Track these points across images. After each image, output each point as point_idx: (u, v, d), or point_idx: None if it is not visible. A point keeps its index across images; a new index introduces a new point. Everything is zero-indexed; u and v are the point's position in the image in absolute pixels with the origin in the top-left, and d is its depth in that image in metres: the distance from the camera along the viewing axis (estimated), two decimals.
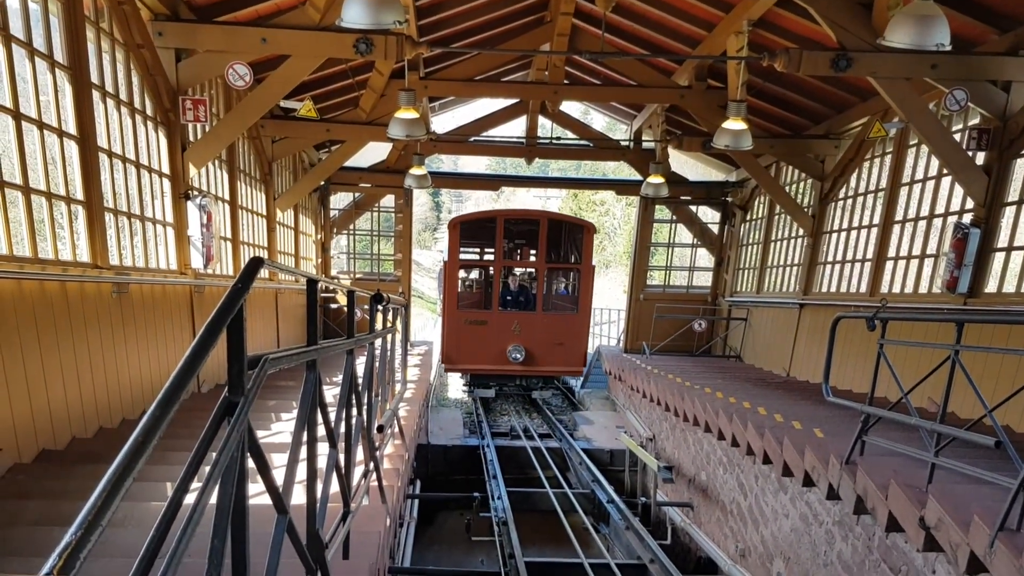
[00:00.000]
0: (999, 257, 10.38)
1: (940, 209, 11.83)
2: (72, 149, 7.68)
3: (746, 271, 19.53)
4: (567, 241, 21.39)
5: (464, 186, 21.58)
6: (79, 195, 7.77)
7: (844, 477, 7.70)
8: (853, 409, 7.77)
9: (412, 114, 12.10)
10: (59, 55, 7.39)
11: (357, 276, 20.67)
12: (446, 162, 50.74)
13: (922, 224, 12.25)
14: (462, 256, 20.99)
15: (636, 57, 14.88)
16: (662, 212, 20.56)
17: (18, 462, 6.39)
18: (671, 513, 14.17)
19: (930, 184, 12.05)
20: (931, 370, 6.69)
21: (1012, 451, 5.30)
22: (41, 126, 7.08)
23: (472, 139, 18.97)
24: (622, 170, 35.15)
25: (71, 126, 7.63)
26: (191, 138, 10.45)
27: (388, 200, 20.27)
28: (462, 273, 21.14)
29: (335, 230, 20.30)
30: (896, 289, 12.90)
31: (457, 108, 21.49)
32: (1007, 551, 5.14)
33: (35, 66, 6.97)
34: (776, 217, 17.89)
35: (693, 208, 20.56)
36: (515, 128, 21.85)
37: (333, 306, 19.99)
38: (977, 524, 5.50)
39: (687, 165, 21.23)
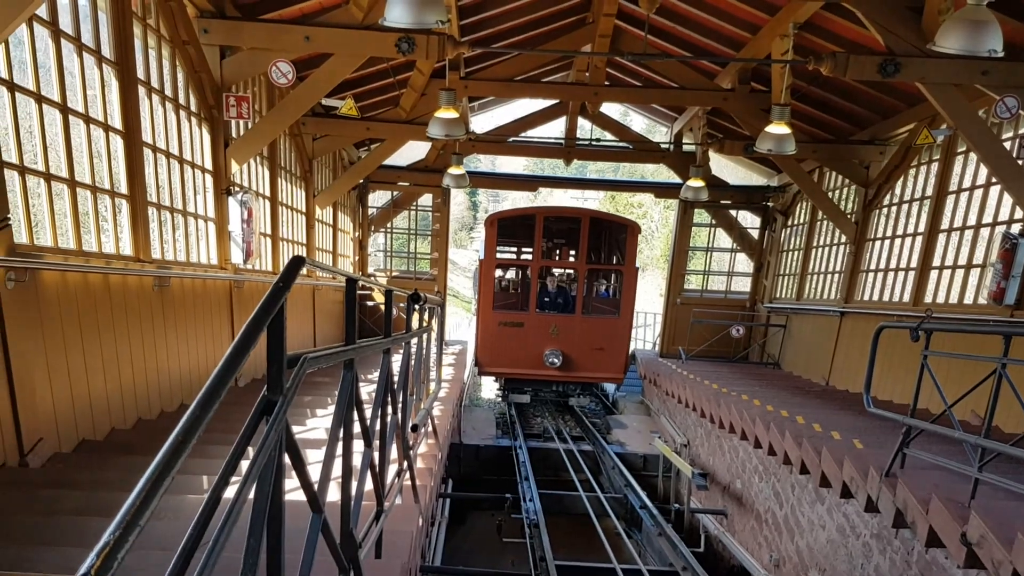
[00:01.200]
0: None
1: (988, 219, 11.57)
2: (117, 144, 7.78)
3: (786, 277, 19.29)
4: (609, 241, 20.63)
5: (501, 186, 21.37)
6: (123, 189, 7.87)
7: (884, 490, 7.55)
8: (894, 421, 7.62)
9: (452, 113, 12.10)
10: (107, 51, 7.49)
11: (393, 274, 20.75)
12: (484, 162, 50.81)
13: (968, 233, 12.00)
14: (499, 255, 20.34)
15: (679, 59, 14.74)
16: (701, 216, 20.40)
17: (58, 451, 6.48)
18: (704, 520, 14.03)
19: (978, 193, 11.80)
20: (976, 383, 6.55)
21: None
22: (88, 120, 7.18)
23: (510, 139, 18.96)
24: (661, 172, 34.95)
25: (117, 121, 7.73)
26: (233, 135, 10.54)
27: (426, 199, 20.35)
28: (498, 272, 20.41)
29: (373, 228, 20.42)
30: (940, 299, 12.65)
31: (496, 108, 21.48)
32: None
33: (83, 61, 7.07)
34: (818, 223, 17.64)
35: (733, 212, 20.34)
36: (553, 129, 21.62)
37: (369, 303, 20.10)
38: (1021, 542, 5.37)
39: (728, 169, 21.03)
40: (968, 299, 11.86)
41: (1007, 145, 10.37)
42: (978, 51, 7.33)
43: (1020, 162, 10.08)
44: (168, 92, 8.97)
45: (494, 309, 18.61)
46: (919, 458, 7.29)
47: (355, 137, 15.99)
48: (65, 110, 6.71)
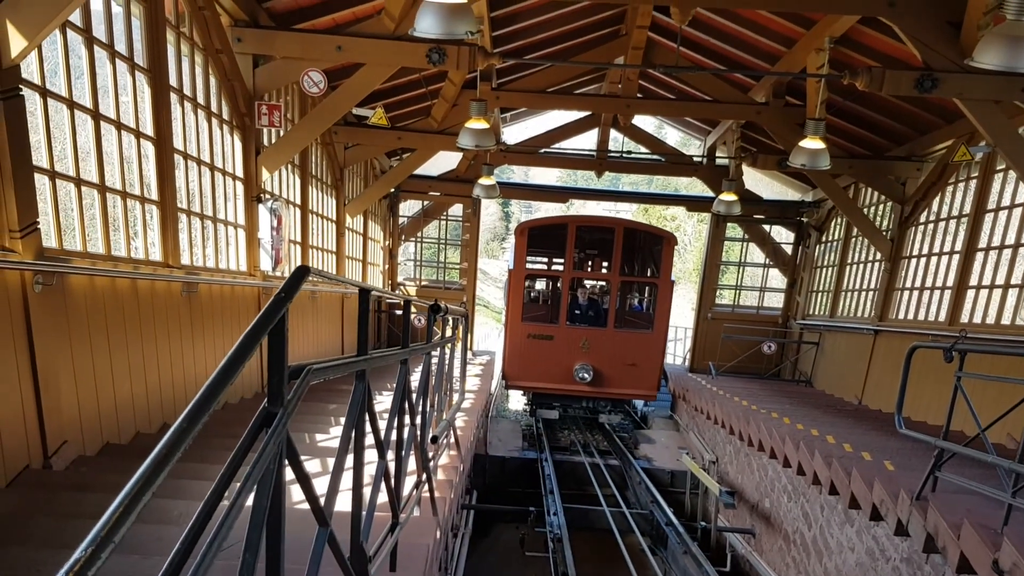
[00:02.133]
0: None
1: None
2: (149, 150, 7.86)
3: (820, 294, 19.02)
4: (643, 252, 19.80)
5: (532, 197, 21.25)
6: (153, 195, 7.95)
7: (914, 513, 7.38)
8: (926, 443, 7.45)
9: (482, 124, 12.11)
10: (139, 58, 7.57)
11: (423, 283, 20.79)
12: (517, 173, 50.79)
13: (1007, 253, 11.73)
14: (529, 265, 19.71)
15: (712, 72, 14.60)
16: (734, 230, 20.20)
17: (82, 454, 6.53)
18: (731, 539, 13.83)
19: (1017, 211, 11.53)
20: (1012, 406, 6.37)
21: None
22: (119, 127, 7.26)
23: (542, 151, 18.95)
24: (694, 186, 34.70)
25: (148, 127, 7.81)
26: (264, 143, 10.63)
27: (456, 209, 20.38)
28: (528, 283, 19.73)
29: (403, 237, 20.48)
30: (977, 319, 12.39)
31: (528, 119, 21.49)
32: None
33: (115, 68, 7.15)
34: (853, 239, 17.39)
35: (766, 227, 20.12)
36: (585, 141, 21.33)
37: (399, 312, 20.15)
38: None
39: (761, 183, 20.84)
40: (1006, 319, 11.59)
41: None
42: (1018, 67, 7.16)
43: None
44: (200, 99, 9.06)
45: (523, 321, 18.03)
46: (951, 482, 7.12)
47: (386, 146, 16.05)
48: (97, 116, 6.79)
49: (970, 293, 12.59)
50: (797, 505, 11.38)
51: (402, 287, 20.52)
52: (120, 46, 7.19)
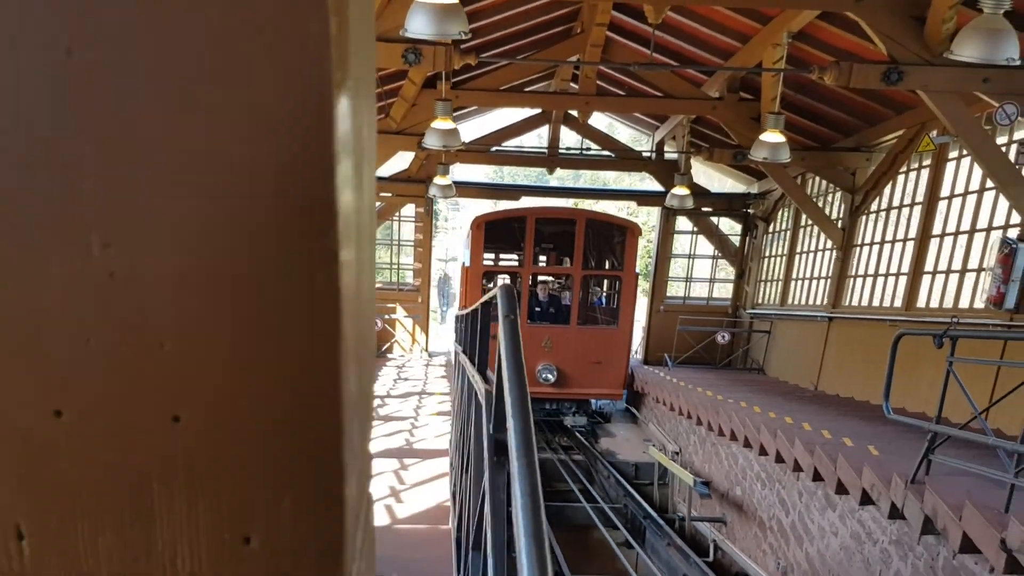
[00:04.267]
0: None
1: (982, 224, 11.74)
2: None
3: (769, 283, 19.45)
4: (607, 244, 19.09)
5: (486, 195, 21.06)
6: None
7: (910, 496, 7.57)
8: (919, 427, 7.68)
9: (448, 124, 12.03)
10: None
11: (376, 286, 20.51)
12: (460, 171, 50.35)
13: (962, 238, 12.16)
14: (486, 261, 18.67)
15: (674, 69, 14.60)
16: (681, 223, 20.47)
17: None
18: (702, 528, 14.04)
19: (971, 198, 11.97)
20: (1012, 388, 6.63)
21: None
22: None
23: (493, 149, 18.90)
24: (622, 179, 35.05)
25: None
26: None
27: (407, 209, 20.18)
28: (484, 280, 18.35)
29: None
30: (935, 303, 12.81)
31: (477, 118, 21.38)
32: None
33: None
34: (802, 229, 17.82)
35: (714, 220, 20.47)
36: (530, 139, 21.19)
37: None
38: None
39: (706, 176, 21.19)
40: (963, 303, 12.02)
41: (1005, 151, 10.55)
42: (996, 59, 7.44)
43: (1019, 168, 10.24)
44: None
45: None
46: (943, 465, 7.34)
47: None
48: None
49: (926, 278, 13.02)
50: (772, 492, 11.59)
51: None
52: None
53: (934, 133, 12.23)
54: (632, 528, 13.48)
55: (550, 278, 18.56)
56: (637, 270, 17.95)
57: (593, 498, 14.28)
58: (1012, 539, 6.02)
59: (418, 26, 7.28)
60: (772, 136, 12.08)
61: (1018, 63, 7.67)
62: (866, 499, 8.52)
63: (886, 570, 8.52)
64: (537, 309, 17.42)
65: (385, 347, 20.04)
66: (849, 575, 9.33)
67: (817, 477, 9.67)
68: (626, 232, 17.85)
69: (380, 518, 5.67)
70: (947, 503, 6.91)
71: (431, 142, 11.85)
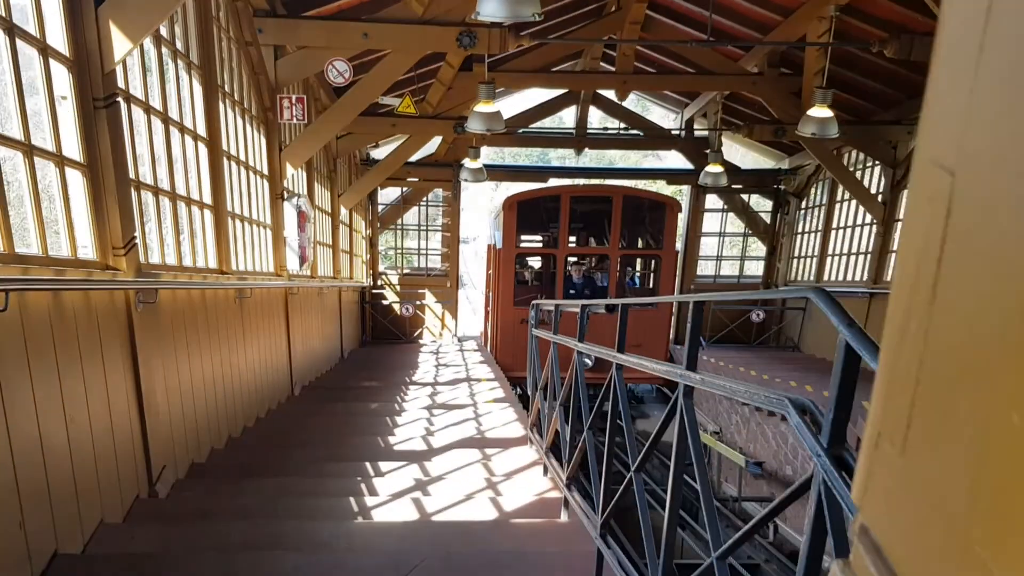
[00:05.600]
0: None
1: None
2: (203, 153, 7.45)
3: (803, 259, 19.29)
4: (644, 221, 18.28)
5: (516, 178, 20.78)
6: (208, 199, 7.54)
7: None
8: None
9: (491, 107, 11.86)
10: (193, 55, 7.14)
11: (405, 271, 20.44)
12: (488, 154, 49.93)
13: None
14: (520, 242, 17.99)
15: (754, 43, 14.18)
16: (710, 201, 20.30)
17: (178, 478, 6.18)
18: (749, 508, 13.98)
19: None
20: None
21: None
22: (182, 129, 6.85)
23: (520, 131, 18.70)
24: (627, 158, 34.67)
25: (202, 128, 7.39)
26: (285, 138, 10.22)
27: (434, 194, 20.03)
28: (518, 262, 18.07)
29: (380, 225, 20.04)
30: None
31: (502, 100, 21.13)
32: None
33: (177, 67, 6.73)
34: (838, 204, 17.65)
35: (744, 196, 20.27)
36: (550, 121, 20.75)
37: (384, 303, 19.79)
38: None
39: (735, 153, 20.99)
40: None
41: None
42: None
43: None
44: (236, 96, 8.62)
45: (515, 305, 16.80)
46: None
47: (381, 135, 15.65)
48: (167, 120, 6.37)
49: None
50: None
51: (384, 276, 20.14)
52: (178, 43, 6.76)
53: None
54: (685, 509, 13.40)
55: (585, 259, 17.80)
56: (677, 248, 17.42)
57: (650, 481, 14.20)
58: None
59: (491, 9, 7.12)
60: (820, 111, 11.91)
61: None
62: None
63: None
64: (571, 292, 16.86)
65: (416, 333, 19.96)
66: None
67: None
68: (664, 209, 17.09)
69: (488, 511, 5.59)
70: None
71: (474, 126, 11.66)
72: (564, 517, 5.59)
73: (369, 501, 5.64)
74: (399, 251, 20.82)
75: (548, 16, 15.12)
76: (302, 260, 10.25)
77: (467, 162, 17.25)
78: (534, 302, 9.01)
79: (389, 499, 5.71)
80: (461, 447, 7.65)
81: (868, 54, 12.90)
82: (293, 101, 9.73)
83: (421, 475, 6.59)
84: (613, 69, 16.30)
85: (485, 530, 4.99)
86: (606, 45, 16.04)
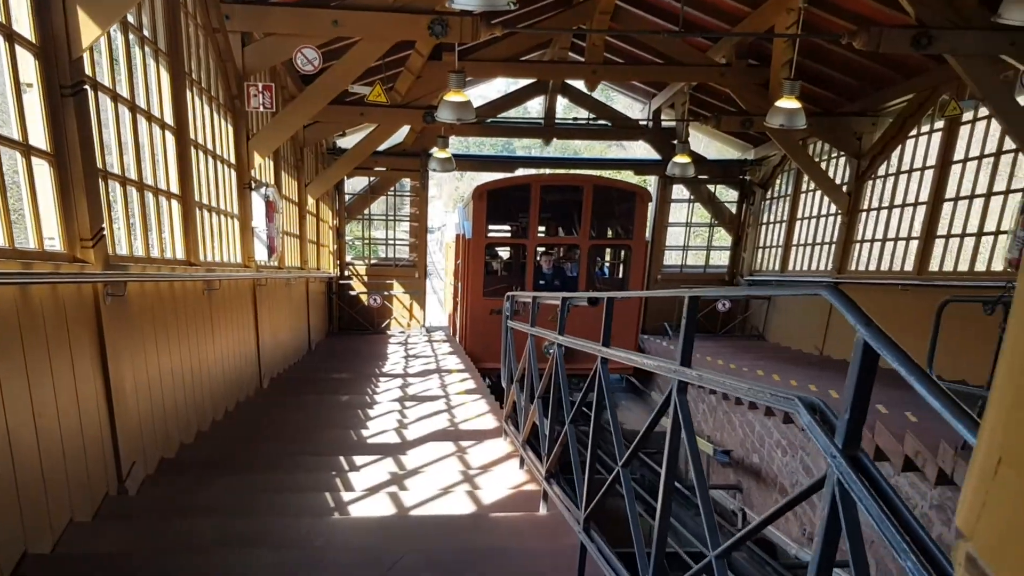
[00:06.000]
0: None
1: (999, 187, 11.77)
2: (170, 142, 7.29)
3: (767, 249, 19.46)
4: (614, 211, 18.33)
5: (484, 168, 20.71)
6: (175, 189, 7.39)
7: (960, 463, 7.59)
8: (972, 394, 7.69)
9: (462, 97, 11.78)
10: (161, 42, 6.98)
11: (372, 262, 20.29)
12: (453, 144, 49.71)
13: (978, 202, 12.19)
14: (489, 232, 17.91)
15: (723, 34, 14.22)
16: (677, 191, 20.38)
17: (149, 474, 6.07)
18: (716, 496, 14.09)
19: (987, 161, 11.98)
20: None
21: None
22: (149, 118, 6.69)
23: (489, 120, 18.60)
24: (592, 148, 34.73)
25: (169, 117, 7.23)
26: (252, 127, 10.05)
27: (401, 183, 19.89)
28: (487, 253, 17.91)
29: (347, 215, 19.86)
30: (948, 267, 12.88)
31: (469, 89, 20.99)
32: None
33: (144, 54, 6.57)
34: (803, 195, 17.82)
35: (710, 187, 20.39)
36: (517, 111, 20.63)
37: (352, 293, 19.62)
38: None
39: (697, 143, 21.08)
40: (980, 266, 12.08)
41: None
42: None
43: None
44: (203, 83, 8.45)
45: (484, 295, 16.90)
46: None
47: (348, 124, 15.46)
48: (134, 108, 6.22)
49: (938, 242, 13.07)
50: (795, 459, 11.63)
51: (351, 267, 19.96)
52: (145, 31, 6.60)
53: (967, 98, 12.12)
54: (654, 497, 13.48)
55: (554, 248, 17.82)
56: (647, 237, 17.47)
57: (608, 468, 14.23)
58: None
59: None
60: (788, 103, 11.97)
61: None
62: (909, 466, 8.53)
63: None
64: (541, 282, 16.87)
65: (384, 324, 19.83)
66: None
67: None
68: (635, 198, 17.24)
69: (466, 505, 5.55)
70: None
71: (445, 115, 11.57)
72: (543, 510, 5.57)
73: (345, 496, 5.57)
74: (366, 241, 20.66)
75: (518, 5, 15.05)
76: (271, 251, 10.10)
77: (436, 151, 17.12)
78: (509, 293, 8.94)
79: (365, 494, 5.64)
80: (435, 440, 7.60)
81: (835, 46, 13.01)
82: (260, 89, 9.56)
83: (396, 469, 6.54)
84: (582, 59, 16.30)
85: (464, 525, 4.96)
86: (575, 35, 16.02)
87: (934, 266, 13.13)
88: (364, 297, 19.56)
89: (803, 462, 11.43)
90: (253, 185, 9.91)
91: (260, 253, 10.05)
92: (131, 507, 5.43)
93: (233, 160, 9.65)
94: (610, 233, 19.18)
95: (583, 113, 19.45)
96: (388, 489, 5.79)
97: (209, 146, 8.67)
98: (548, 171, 19.36)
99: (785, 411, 11.37)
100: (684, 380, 3.38)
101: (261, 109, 9.72)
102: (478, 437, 7.83)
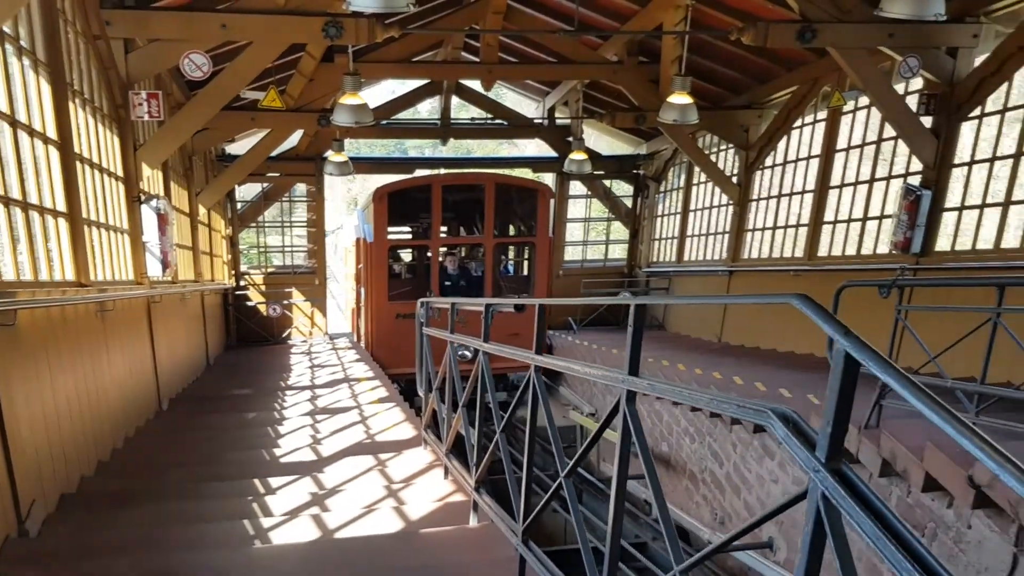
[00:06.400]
0: (947, 217, 10.94)
1: (881, 173, 12.33)
2: (54, 156, 6.86)
3: (663, 241, 19.88)
4: (517, 209, 18.41)
5: (382, 170, 20.35)
6: (62, 207, 6.96)
7: (864, 442, 7.87)
8: (874, 375, 7.99)
9: (358, 99, 11.58)
10: (40, 51, 6.55)
11: (269, 271, 19.75)
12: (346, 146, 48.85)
13: (862, 188, 12.73)
14: (391, 235, 17.72)
15: (619, 33, 14.32)
16: (574, 188, 20.60)
17: (50, 512, 5.69)
18: (627, 486, 14.29)
19: (868, 149, 12.53)
20: (968, 332, 6.99)
21: None
22: (31, 132, 6.27)
23: (384, 122, 18.35)
24: (483, 147, 34.81)
25: (52, 130, 6.80)
26: (140, 137, 9.59)
27: (295, 188, 19.43)
28: (390, 256, 17.63)
29: (241, 223, 19.25)
30: (836, 252, 13.41)
31: (362, 91, 20.64)
32: None
33: (22, 64, 6.15)
34: (695, 187, 18.27)
35: (606, 182, 20.69)
36: (407, 113, 20.42)
37: (249, 303, 19.05)
38: None
39: (593, 139, 21.36)
40: (867, 250, 12.63)
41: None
42: (926, 15, 7.77)
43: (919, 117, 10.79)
44: (87, 94, 7.99)
45: (389, 300, 16.54)
46: (893, 409, 7.65)
47: (239, 129, 14.98)
48: (14, 123, 5.81)
49: (826, 228, 13.60)
50: (703, 446, 11.89)
51: (247, 276, 19.37)
52: (23, 41, 6.18)
53: (852, 88, 12.57)
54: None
55: (459, 249, 17.73)
56: (550, 234, 17.54)
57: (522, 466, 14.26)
58: (979, 475, 6.34)
59: (364, 1, 6.91)
60: (680, 98, 12.23)
61: (944, 18, 8.03)
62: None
63: None
64: (447, 283, 16.67)
65: (285, 334, 19.34)
66: (794, 519, 9.66)
67: (758, 428, 9.96)
68: (537, 195, 17.22)
69: (393, 522, 5.42)
70: (906, 446, 7.21)
71: (342, 119, 11.34)
72: (474, 522, 5.49)
73: (265, 522, 5.36)
74: (261, 250, 20.09)
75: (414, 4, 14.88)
76: (165, 266, 9.67)
77: (332, 155, 16.76)
78: (423, 299, 8.81)
79: (286, 518, 5.44)
80: (353, 454, 7.41)
81: (721, 42, 13.39)
82: (144, 97, 9.13)
83: (316, 488, 6.34)
84: (476, 59, 16.26)
85: (395, 544, 4.82)
86: (468, 35, 15.97)
87: (823, 251, 13.65)
88: (263, 307, 19.01)
89: (711, 447, 11.69)
90: (143, 198, 9.46)
91: (153, 269, 9.60)
92: (34, 550, 5.07)
93: (121, 173, 9.19)
94: (513, 231, 19.27)
95: (477, 112, 19.42)
96: (309, 511, 5.60)
97: (95, 159, 8.22)
98: (444, 171, 19.27)
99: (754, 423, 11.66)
100: (632, 389, 3.36)
101: (147, 118, 9.28)
102: (397, 448, 7.69)
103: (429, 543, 4.84)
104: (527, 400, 4.51)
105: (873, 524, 1.60)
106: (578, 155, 17.49)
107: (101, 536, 5.28)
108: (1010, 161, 9.98)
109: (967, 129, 10.82)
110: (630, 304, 3.47)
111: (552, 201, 17.72)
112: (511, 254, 19.53)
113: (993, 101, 10.30)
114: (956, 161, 10.82)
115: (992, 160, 10.34)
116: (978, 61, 10.40)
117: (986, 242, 10.39)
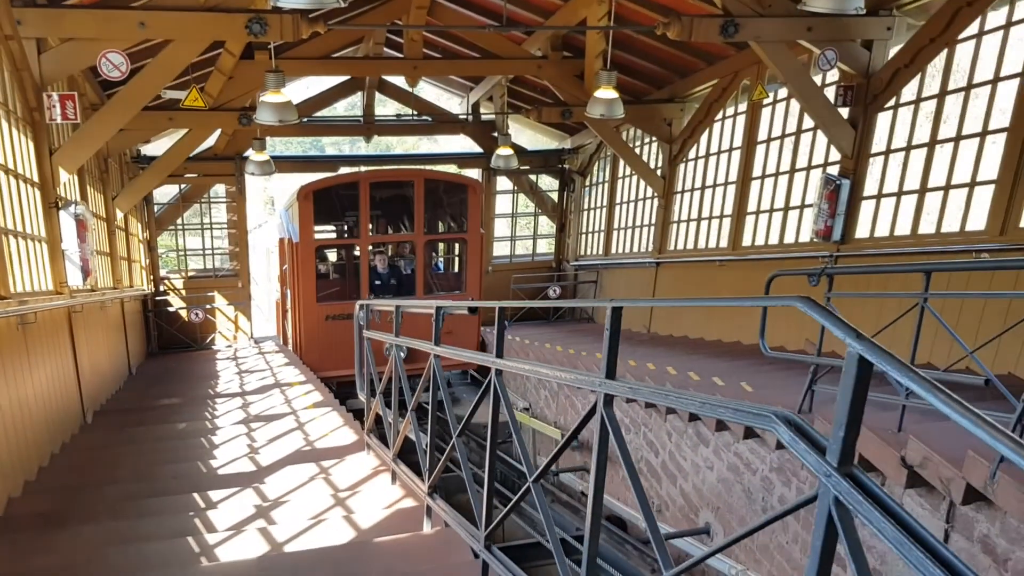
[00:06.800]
0: (866, 205, 11.31)
1: (801, 164, 12.66)
2: None
3: (590, 235, 20.06)
4: (447, 205, 18.29)
5: (306, 169, 19.91)
6: None
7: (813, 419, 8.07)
8: (775, 361, 8.20)
9: (281, 97, 11.33)
10: None
11: (190, 275, 19.21)
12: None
13: (783, 179, 13.06)
14: (318, 235, 17.29)
15: (544, 28, 14.30)
16: (501, 183, 20.62)
17: None
18: (565, 480, 14.40)
19: (788, 140, 12.85)
20: (896, 317, 7.23)
21: (1003, 388, 5.79)
22: None
23: (305, 120, 18.01)
24: (403, 143, 34.43)
25: None
26: (55, 140, 9.19)
27: (215, 190, 18.95)
28: (317, 256, 17.09)
29: (158, 226, 18.67)
30: (760, 241, 13.73)
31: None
32: (1011, 480, 5.56)
33: None
34: (620, 180, 18.47)
35: (532, 177, 20.77)
36: (329, 109, 20.15)
37: (170, 309, 18.50)
38: (973, 459, 5.93)
39: (516, 134, 21.41)
40: (789, 239, 12.97)
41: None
42: (847, 9, 7.99)
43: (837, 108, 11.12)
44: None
45: (318, 301, 16.22)
46: (826, 394, 7.87)
47: (156, 130, 14.47)
48: None
49: (749, 218, 13.91)
50: (639, 436, 12.06)
51: (167, 281, 18.80)
52: None
53: (772, 81, 12.81)
54: (509, 487, 13.60)
55: (388, 247, 17.43)
56: (481, 230, 17.46)
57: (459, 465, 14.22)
58: (911, 455, 6.57)
59: None
60: (606, 93, 12.34)
61: (864, 12, 8.29)
62: (749, 433, 9.01)
63: (769, 495, 9.05)
64: (377, 283, 16.41)
65: (209, 339, 18.85)
66: (729, 504, 9.87)
67: (693, 417, 10.13)
68: (466, 191, 17.16)
69: (345, 531, 5.33)
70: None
71: (265, 117, 11.07)
72: (428, 527, 5.42)
73: (210, 539, 5.19)
74: (181, 253, 19.51)
75: None
76: (85, 274, 9.30)
77: (253, 154, 16.34)
78: (362, 302, 8.68)
79: (231, 533, 5.28)
80: (294, 462, 7.26)
81: (644, 36, 13.55)
82: (57, 99, 8.74)
83: (259, 500, 6.18)
84: (399, 55, 16.10)
85: (349, 555, 4.73)
86: (390, 30, 15.80)
87: (747, 241, 13.96)
88: (184, 312, 18.48)
89: (646, 437, 11.86)
90: (60, 204, 9.07)
91: (74, 277, 9.22)
92: None
93: (37, 178, 8.79)
94: (443, 227, 19.13)
95: (399, 108, 19.22)
96: (255, 524, 5.45)
97: (9, 165, 7.84)
98: (365, 168, 19.00)
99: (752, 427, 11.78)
100: (610, 393, 3.35)
101: (60, 121, 8.88)
102: (339, 454, 7.56)
103: (385, 552, 4.76)
104: (470, 400, 4.46)
105: (894, 528, 1.62)
106: (504, 150, 17.51)
107: (32, 561, 5.05)
108: (924, 150, 10.38)
109: (883, 119, 11.19)
110: (606, 307, 3.46)
111: (482, 197, 17.66)
112: (441, 251, 19.41)
113: (907, 92, 10.67)
114: (873, 151, 11.19)
115: (908, 149, 10.71)
116: (892, 53, 10.77)
117: (903, 229, 10.77)
